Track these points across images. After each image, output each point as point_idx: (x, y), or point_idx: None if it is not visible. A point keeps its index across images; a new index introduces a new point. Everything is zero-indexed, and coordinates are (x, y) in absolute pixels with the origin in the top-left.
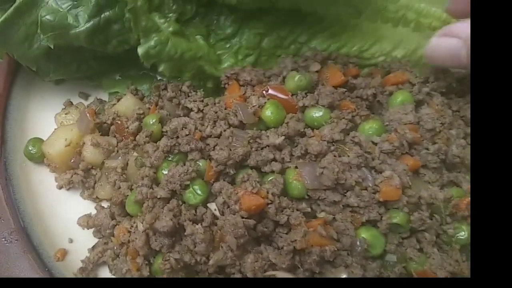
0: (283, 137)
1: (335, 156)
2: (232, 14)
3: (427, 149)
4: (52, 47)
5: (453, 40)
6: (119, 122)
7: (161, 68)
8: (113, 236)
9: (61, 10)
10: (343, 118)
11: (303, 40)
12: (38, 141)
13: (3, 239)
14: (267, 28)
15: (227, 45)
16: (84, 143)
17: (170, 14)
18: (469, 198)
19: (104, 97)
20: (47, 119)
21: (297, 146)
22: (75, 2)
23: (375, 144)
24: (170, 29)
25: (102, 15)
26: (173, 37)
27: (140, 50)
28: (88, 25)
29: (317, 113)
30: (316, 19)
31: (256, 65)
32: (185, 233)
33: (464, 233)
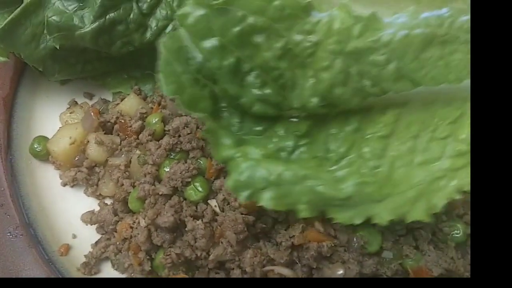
0: None
1: None
2: (342, 130)
3: None
4: (58, 47)
5: None
6: (122, 121)
7: (262, 202)
8: (116, 231)
9: (67, 11)
10: None
11: (444, 135)
12: (43, 139)
13: (9, 234)
14: (389, 128)
15: (343, 163)
16: (88, 141)
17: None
18: (465, 197)
19: (108, 97)
20: (52, 118)
21: None
22: (81, 4)
23: None
24: (261, 153)
25: (107, 16)
26: (263, 160)
27: (229, 183)
28: (93, 26)
29: None
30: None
31: (391, 179)
32: (186, 229)
33: (459, 231)
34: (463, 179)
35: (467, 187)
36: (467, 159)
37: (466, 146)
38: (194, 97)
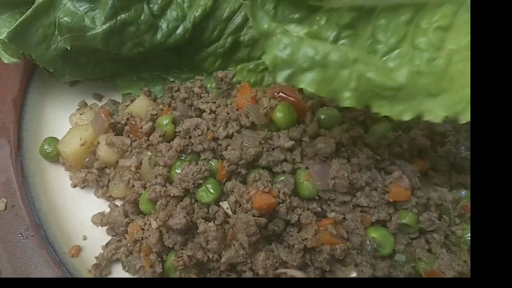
0: (293, 141)
1: (344, 157)
2: (392, 21)
3: (436, 151)
4: (69, 48)
5: None
6: (133, 122)
7: (303, 84)
8: (127, 233)
9: (79, 12)
10: (354, 119)
11: None
12: (54, 140)
13: (20, 235)
14: (448, 19)
15: (393, 54)
16: (98, 142)
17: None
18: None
19: (118, 98)
20: (62, 119)
21: (307, 146)
22: (92, 5)
23: (385, 145)
24: (304, 31)
25: (118, 18)
26: (308, 38)
27: (267, 58)
28: (104, 27)
29: (328, 115)
30: None
31: (448, 73)
32: (198, 231)
33: None
34: None
35: None
36: None
37: None
38: None
